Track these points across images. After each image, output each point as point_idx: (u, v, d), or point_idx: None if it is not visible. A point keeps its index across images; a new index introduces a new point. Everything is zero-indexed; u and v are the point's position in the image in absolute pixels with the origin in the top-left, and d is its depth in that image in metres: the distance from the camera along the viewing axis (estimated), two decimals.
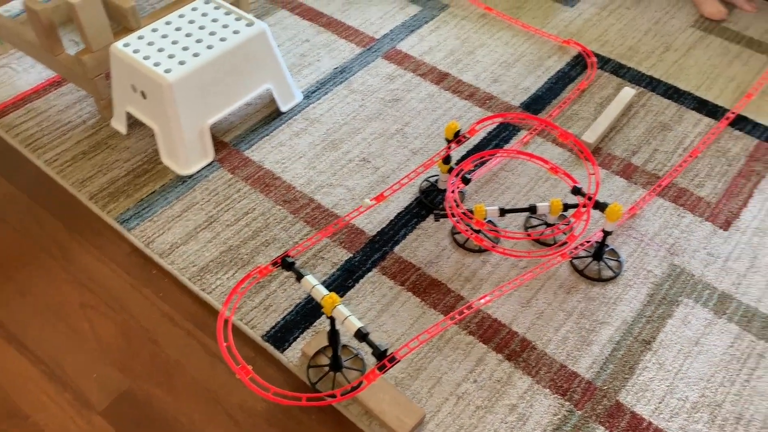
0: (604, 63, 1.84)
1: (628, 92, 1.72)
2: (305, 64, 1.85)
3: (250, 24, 1.59)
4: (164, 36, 1.55)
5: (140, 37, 1.55)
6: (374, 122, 1.69)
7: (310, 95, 1.76)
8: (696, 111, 1.70)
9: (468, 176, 1.43)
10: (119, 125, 1.66)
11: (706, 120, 1.68)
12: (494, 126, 1.67)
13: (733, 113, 1.68)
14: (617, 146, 1.62)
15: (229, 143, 1.64)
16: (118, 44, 1.53)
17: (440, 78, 1.81)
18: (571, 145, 1.60)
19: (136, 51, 1.51)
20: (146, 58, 1.50)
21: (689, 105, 1.72)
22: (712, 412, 1.18)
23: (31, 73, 1.81)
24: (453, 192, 1.37)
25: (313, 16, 2.01)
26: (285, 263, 1.11)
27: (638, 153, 1.60)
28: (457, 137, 1.39)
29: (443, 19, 1.99)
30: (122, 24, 1.63)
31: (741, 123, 1.67)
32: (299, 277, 1.08)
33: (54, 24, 1.58)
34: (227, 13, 1.62)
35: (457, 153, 1.60)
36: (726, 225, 1.45)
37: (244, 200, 1.51)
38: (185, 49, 1.52)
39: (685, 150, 1.61)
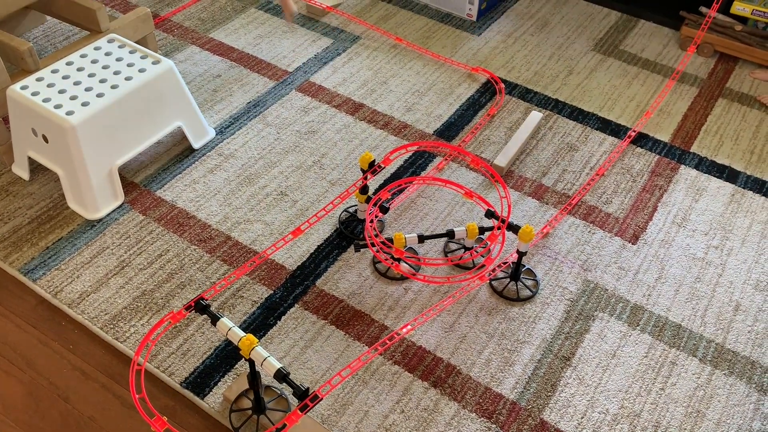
0: (512, 88, 1.90)
1: (536, 116, 1.78)
2: (217, 99, 1.83)
3: (156, 62, 1.55)
4: (66, 77, 1.50)
5: (39, 79, 1.49)
6: (291, 155, 1.68)
7: (223, 131, 1.74)
8: (600, 131, 1.78)
9: (386, 205, 1.44)
10: (21, 171, 1.58)
11: (610, 139, 1.76)
12: (410, 154, 1.69)
13: (635, 131, 1.77)
14: (528, 168, 1.67)
15: (139, 184, 1.59)
16: (15, 87, 1.46)
17: (355, 108, 1.82)
18: (483, 171, 1.64)
19: (35, 93, 1.45)
20: (46, 100, 1.44)
21: (594, 125, 1.79)
22: (631, 422, 1.21)
23: None
24: (372, 221, 1.37)
25: (223, 51, 1.99)
26: (199, 306, 1.07)
27: (548, 174, 1.66)
28: (372, 167, 1.40)
29: (355, 51, 2.01)
30: (20, 66, 1.57)
31: (642, 140, 1.75)
32: (214, 320, 1.05)
33: None
34: (132, 52, 1.58)
35: (375, 182, 1.61)
36: (634, 239, 1.52)
37: (158, 242, 1.47)
38: (88, 89, 1.47)
39: (592, 169, 1.68)
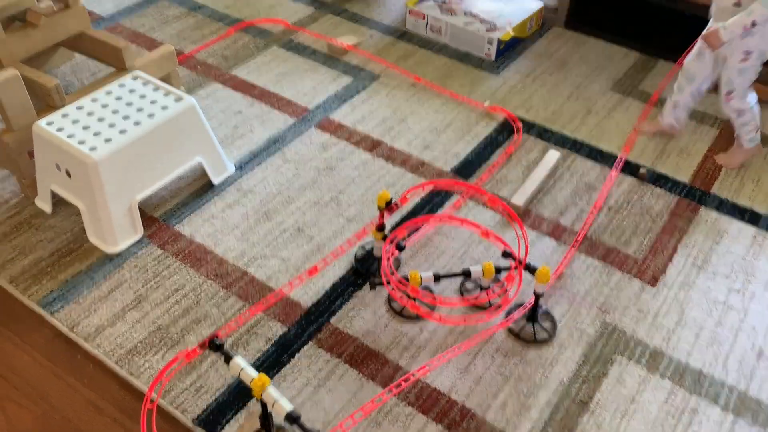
0: (530, 128, 1.91)
1: (554, 155, 1.78)
2: (238, 135, 1.85)
3: (178, 99, 1.58)
4: (90, 113, 1.53)
5: (65, 115, 1.52)
6: (308, 191, 1.69)
7: (243, 166, 1.76)
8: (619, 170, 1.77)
9: (402, 243, 1.44)
10: (44, 204, 1.61)
11: (629, 179, 1.75)
12: (427, 192, 1.69)
13: (654, 171, 1.76)
14: (545, 207, 1.66)
15: (158, 218, 1.61)
16: (41, 123, 1.50)
17: (373, 145, 1.83)
18: (500, 210, 1.63)
19: (59, 129, 1.48)
20: (70, 136, 1.47)
21: (612, 165, 1.78)
22: None
23: None
24: (388, 259, 1.37)
25: (245, 88, 2.02)
26: (213, 345, 1.07)
27: (566, 213, 1.65)
28: (389, 206, 1.40)
29: (374, 89, 2.03)
30: (47, 102, 1.60)
31: (662, 181, 1.74)
32: (227, 359, 1.04)
33: None
34: (156, 89, 1.61)
35: (392, 218, 1.61)
36: (653, 281, 1.49)
37: (175, 276, 1.48)
38: (112, 126, 1.50)
39: (610, 209, 1.66)
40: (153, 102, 1.57)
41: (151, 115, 1.54)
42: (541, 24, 2.32)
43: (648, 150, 1.84)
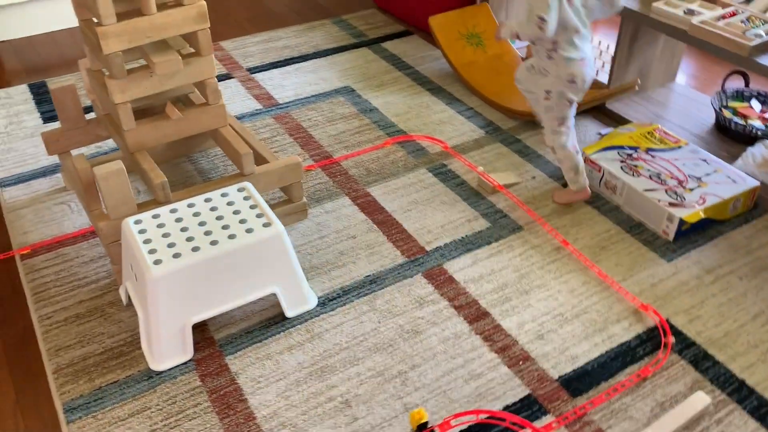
0: (685, 347, 1.46)
1: (702, 399, 1.33)
2: (339, 264, 1.69)
3: (267, 224, 1.47)
4: (178, 220, 1.48)
5: (155, 216, 1.49)
6: (379, 355, 1.46)
7: (326, 302, 1.59)
8: None
9: None
10: (123, 295, 1.59)
11: None
12: (477, 423, 1.34)
13: None
14: None
15: (216, 341, 1.50)
16: (130, 220, 1.48)
17: (477, 317, 1.54)
18: None
19: (142, 231, 1.45)
20: (147, 241, 1.43)
21: None
22: None
23: (82, 215, 1.84)
24: None
25: (372, 210, 1.86)
26: None
27: None
28: (421, 430, 1.12)
29: (509, 243, 1.74)
30: (155, 195, 1.60)
31: None
32: None
33: (92, 181, 1.59)
34: (252, 207, 1.52)
35: None
36: None
37: (196, 420, 1.34)
38: (189, 240, 1.43)
39: None
40: (242, 222, 1.48)
41: (232, 237, 1.44)
42: (752, 206, 1.83)
43: None
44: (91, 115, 1.96)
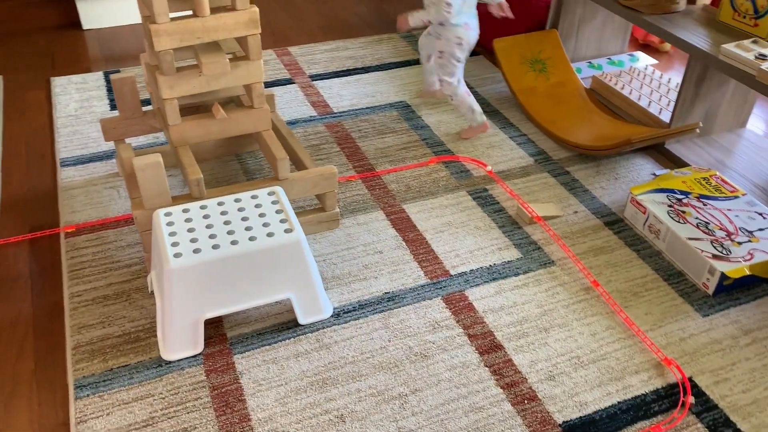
0: (705, 409, 1.38)
1: None
2: (361, 277, 1.69)
3: (288, 230, 1.49)
4: (206, 216, 1.53)
5: (185, 210, 1.54)
6: (383, 374, 1.45)
7: (341, 314, 1.59)
8: None
9: None
10: (149, 282, 1.65)
11: None
12: None
13: None
14: None
15: (228, 339, 1.53)
16: (161, 212, 1.53)
17: (490, 348, 1.51)
18: None
19: (169, 224, 1.50)
20: (172, 234, 1.47)
21: None
22: None
23: (127, 201, 1.93)
24: None
25: (404, 227, 1.85)
26: None
27: None
28: None
29: (537, 277, 1.69)
30: (191, 190, 1.65)
31: None
32: None
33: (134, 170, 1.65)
34: (278, 212, 1.54)
35: None
36: None
37: (194, 413, 1.37)
38: (212, 237, 1.47)
39: None
40: (265, 225, 1.50)
41: (252, 239, 1.47)
42: None
43: None
44: (149, 108, 2.05)
